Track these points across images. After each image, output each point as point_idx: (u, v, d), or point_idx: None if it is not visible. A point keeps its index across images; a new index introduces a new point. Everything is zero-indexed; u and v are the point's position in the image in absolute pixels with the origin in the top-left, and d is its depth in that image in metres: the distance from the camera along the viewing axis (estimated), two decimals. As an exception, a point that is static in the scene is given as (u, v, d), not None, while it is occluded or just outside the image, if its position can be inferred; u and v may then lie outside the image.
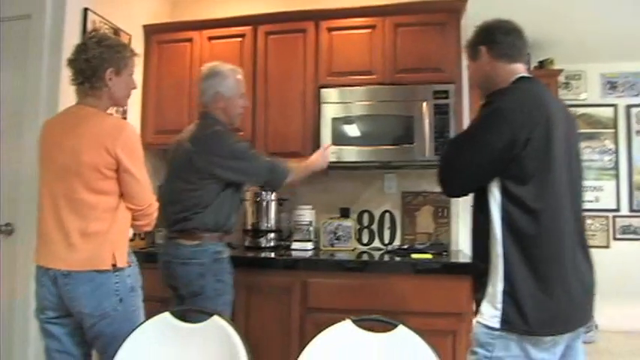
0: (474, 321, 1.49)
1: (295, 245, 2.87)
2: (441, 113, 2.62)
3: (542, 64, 4.15)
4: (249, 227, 2.92)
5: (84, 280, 1.67)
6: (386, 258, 2.64)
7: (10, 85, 2.47)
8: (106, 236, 1.71)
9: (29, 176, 2.34)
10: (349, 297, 2.38)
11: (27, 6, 2.44)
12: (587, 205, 4.62)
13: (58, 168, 1.73)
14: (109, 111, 1.88)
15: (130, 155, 1.71)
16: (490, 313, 1.42)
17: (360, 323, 1.41)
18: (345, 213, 3.04)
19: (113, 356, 1.42)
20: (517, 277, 1.39)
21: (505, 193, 1.44)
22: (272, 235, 2.93)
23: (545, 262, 1.40)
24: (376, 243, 3.03)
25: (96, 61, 1.73)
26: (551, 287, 1.39)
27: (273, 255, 2.72)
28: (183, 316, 1.54)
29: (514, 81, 1.55)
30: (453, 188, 1.69)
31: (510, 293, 1.39)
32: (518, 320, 1.37)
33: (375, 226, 3.05)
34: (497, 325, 1.39)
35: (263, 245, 2.90)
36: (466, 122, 2.89)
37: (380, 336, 1.36)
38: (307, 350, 1.36)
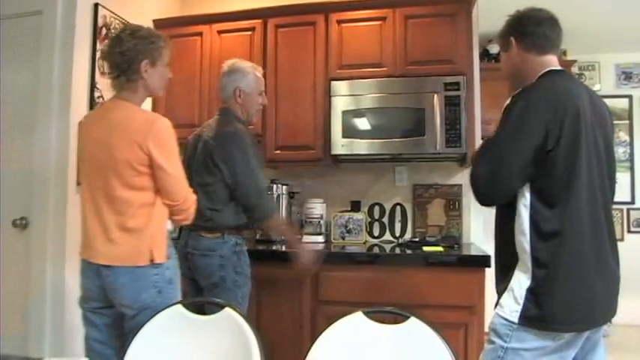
0: (494, 311, 1.48)
1: (306, 238, 2.88)
2: (452, 105, 2.60)
3: (555, 55, 4.09)
4: (260, 220, 2.93)
5: (123, 272, 1.70)
6: (397, 251, 2.63)
7: (22, 80, 2.50)
8: (144, 232, 1.72)
9: (42, 171, 2.38)
10: (360, 290, 2.38)
11: (38, 2, 2.46)
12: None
13: (95, 164, 1.74)
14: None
15: (162, 150, 1.70)
16: (511, 307, 1.41)
17: (372, 315, 1.41)
18: (355, 206, 3.04)
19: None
20: (543, 274, 1.38)
21: (534, 190, 1.42)
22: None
23: (572, 260, 1.38)
24: (387, 236, 3.02)
25: (130, 53, 1.73)
26: (576, 285, 1.37)
27: (284, 248, 2.72)
28: (199, 309, 1.56)
29: (541, 75, 1.49)
30: (493, 197, 1.52)
31: (534, 290, 1.38)
32: (539, 317, 1.37)
33: (385, 219, 3.04)
34: (516, 320, 1.39)
35: (274, 238, 2.90)
36: (477, 114, 2.88)
37: (392, 327, 1.37)
38: (319, 341, 1.36)
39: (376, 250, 2.68)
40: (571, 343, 1.40)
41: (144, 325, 1.63)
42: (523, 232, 1.42)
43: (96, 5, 2.54)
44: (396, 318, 1.38)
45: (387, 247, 2.73)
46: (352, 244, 2.87)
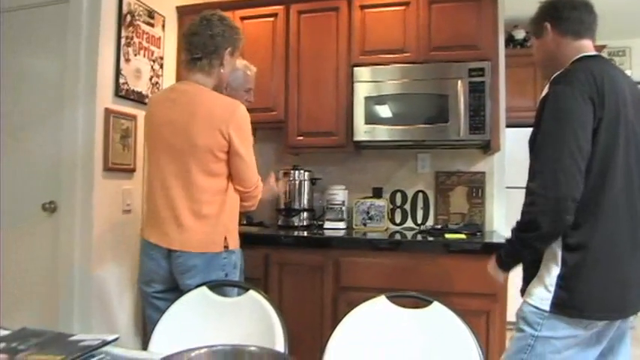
0: (523, 300, 1.46)
1: (328, 225, 2.89)
2: (476, 91, 2.56)
3: (583, 40, 3.97)
4: (282, 206, 2.95)
5: (196, 256, 1.74)
6: (419, 238, 2.62)
7: (50, 68, 2.55)
8: (218, 219, 1.76)
9: (70, 156, 2.43)
10: (382, 276, 2.38)
11: (66, -11, 2.49)
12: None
13: (169, 147, 1.74)
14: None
15: (241, 137, 1.73)
16: (541, 295, 1.38)
17: (395, 299, 1.41)
18: (377, 193, 3.03)
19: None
20: (574, 260, 1.35)
21: None
22: (305, 214, 2.95)
23: (605, 245, 1.35)
24: (409, 223, 3.02)
25: (219, 38, 1.76)
26: (609, 271, 1.35)
27: (305, 234, 2.74)
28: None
29: (575, 60, 1.44)
30: (563, 214, 1.33)
31: (565, 277, 1.35)
32: (571, 304, 1.34)
33: (407, 206, 3.03)
34: (547, 308, 1.36)
35: (296, 224, 2.92)
36: (502, 100, 2.83)
37: (414, 312, 1.37)
38: (342, 324, 1.37)
39: (398, 237, 2.68)
40: (603, 332, 1.39)
41: None
42: None
43: (121, -8, 2.56)
44: (419, 303, 1.38)
45: (409, 234, 2.72)
46: (374, 230, 2.87)
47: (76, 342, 1.03)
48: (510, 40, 3.99)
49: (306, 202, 2.96)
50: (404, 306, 1.40)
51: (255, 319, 1.44)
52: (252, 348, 0.87)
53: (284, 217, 2.94)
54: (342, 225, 2.89)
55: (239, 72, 2.27)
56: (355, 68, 2.75)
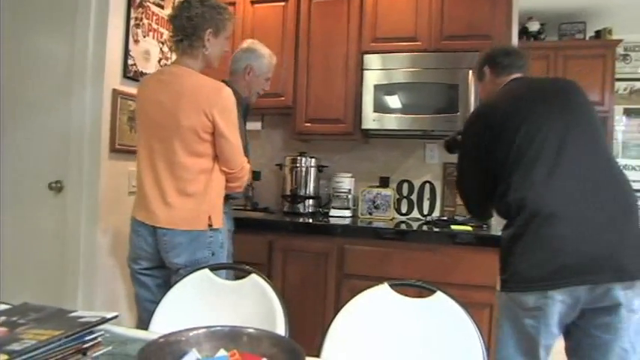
0: None
1: (333, 212, 2.88)
2: (487, 82, 2.52)
3: (598, 35, 3.91)
4: (287, 193, 2.94)
5: (181, 234, 1.77)
6: (425, 228, 2.61)
7: (59, 48, 2.53)
8: (203, 197, 1.78)
9: (77, 136, 2.42)
10: (386, 265, 2.37)
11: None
12: None
13: (156, 127, 1.77)
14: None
15: (226, 119, 1.75)
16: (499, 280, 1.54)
17: (397, 288, 1.40)
18: (384, 182, 3.01)
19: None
20: (508, 242, 1.51)
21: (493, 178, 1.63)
22: (310, 201, 2.94)
23: (535, 224, 1.43)
24: (415, 213, 3.00)
25: (197, 19, 1.75)
26: (536, 240, 1.42)
27: (310, 221, 2.73)
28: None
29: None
30: (482, 211, 1.85)
31: (505, 257, 1.51)
32: (509, 279, 1.48)
33: (414, 197, 3.01)
34: (499, 288, 1.54)
35: (301, 211, 2.91)
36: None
37: (417, 301, 1.35)
38: (343, 311, 1.36)
39: (403, 227, 2.66)
40: (557, 299, 1.39)
41: None
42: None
43: (130, -26, 2.53)
44: (421, 292, 1.36)
45: (415, 225, 2.71)
46: (379, 219, 2.85)
47: (75, 318, 1.02)
48: (524, 32, 3.93)
49: (312, 189, 2.95)
50: (406, 295, 1.39)
51: (256, 302, 1.43)
52: (251, 330, 0.86)
53: (289, 204, 2.93)
54: (347, 213, 2.88)
55: (264, 59, 2.29)
56: (365, 55, 2.72)
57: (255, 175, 3.16)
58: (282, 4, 2.91)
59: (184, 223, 1.77)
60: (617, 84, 4.07)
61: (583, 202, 1.42)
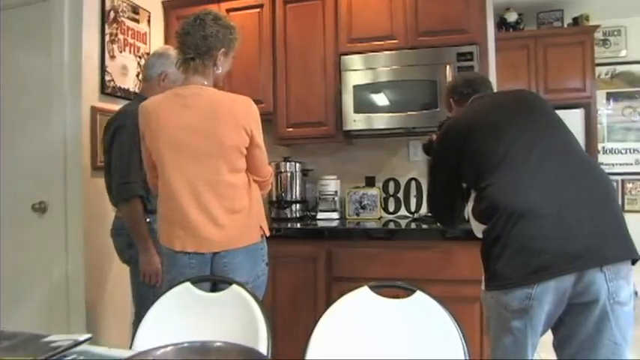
0: None
1: (321, 215, 2.88)
2: (465, 76, 2.52)
3: (576, 22, 3.92)
4: (273, 199, 2.94)
5: (240, 252, 1.76)
6: (412, 226, 2.61)
7: (37, 67, 2.53)
8: (250, 210, 1.79)
9: (59, 155, 2.42)
10: (374, 265, 2.37)
11: (46, -13, 2.47)
12: (626, 169, 4.39)
13: (194, 153, 1.70)
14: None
15: (259, 129, 1.78)
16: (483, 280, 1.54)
17: (378, 290, 1.40)
18: (370, 182, 3.02)
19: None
20: (487, 244, 1.50)
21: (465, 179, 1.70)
22: (297, 206, 2.94)
23: (506, 223, 1.42)
24: (402, 211, 3.00)
25: (212, 39, 1.73)
26: (514, 242, 1.41)
27: (298, 225, 2.73)
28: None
29: None
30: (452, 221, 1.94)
31: (486, 259, 1.51)
32: (491, 279, 1.48)
33: (401, 195, 3.01)
34: (483, 288, 1.53)
35: (288, 216, 2.91)
36: (493, 85, 2.80)
37: (397, 302, 1.35)
38: (325, 316, 1.36)
39: (392, 225, 2.66)
40: (531, 300, 1.39)
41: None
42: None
43: (103, -12, 2.53)
44: (403, 293, 1.36)
45: (403, 223, 2.71)
46: (367, 220, 2.85)
47: (47, 343, 1.02)
48: (503, 24, 3.94)
49: (298, 193, 2.95)
50: (392, 296, 1.39)
51: (238, 313, 1.43)
52: (219, 344, 0.85)
53: (276, 209, 2.93)
54: (335, 215, 2.88)
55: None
56: (343, 57, 2.72)
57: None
58: (257, 10, 2.91)
59: (240, 240, 1.76)
60: (599, 69, 4.09)
61: (558, 198, 1.42)
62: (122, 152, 2.07)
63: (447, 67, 2.54)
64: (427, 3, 2.65)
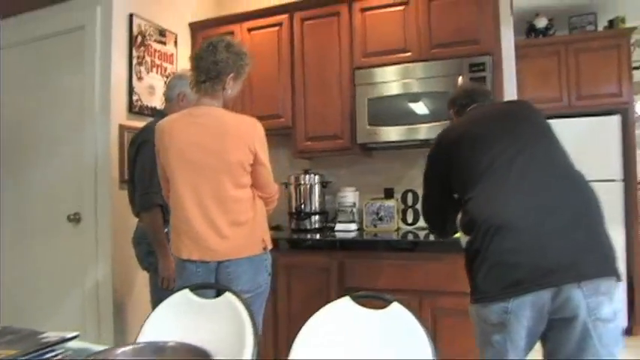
0: None
1: (339, 227, 2.93)
2: (477, 87, 2.52)
3: (611, 24, 3.77)
4: (293, 210, 3.02)
5: (243, 262, 1.88)
6: (431, 238, 2.60)
7: (72, 88, 2.76)
8: (253, 224, 1.90)
9: (91, 169, 2.62)
10: (386, 276, 2.40)
11: (81, 18, 2.70)
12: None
13: (201, 168, 1.84)
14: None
15: (263, 149, 1.90)
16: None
17: (360, 300, 1.44)
18: (389, 193, 3.04)
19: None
20: (468, 257, 1.52)
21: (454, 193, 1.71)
22: (317, 217, 3.01)
23: (484, 236, 1.43)
24: (421, 222, 3.00)
25: (222, 64, 1.86)
26: (491, 256, 1.42)
27: (318, 236, 2.78)
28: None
29: None
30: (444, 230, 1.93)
31: (468, 272, 1.54)
32: (473, 292, 1.50)
33: (419, 206, 3.01)
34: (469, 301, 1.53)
35: (307, 227, 2.99)
36: (511, 94, 2.77)
37: (375, 312, 1.39)
38: (307, 325, 1.41)
39: (410, 237, 2.67)
40: (510, 315, 1.39)
41: (258, 306, 1.89)
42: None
43: (131, 15, 2.73)
44: (381, 303, 1.40)
45: (421, 234, 2.71)
46: (384, 231, 2.88)
47: (40, 339, 1.14)
48: (532, 30, 3.85)
49: (317, 205, 3.02)
50: (370, 306, 1.43)
51: (228, 320, 1.51)
52: (173, 344, 0.94)
53: (295, 221, 3.01)
54: (353, 227, 2.93)
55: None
56: (357, 71, 2.79)
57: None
58: (276, 28, 3.03)
59: (243, 250, 1.87)
60: (636, 73, 3.90)
61: (536, 212, 1.40)
62: (145, 165, 2.23)
63: (460, 78, 2.55)
64: (440, 15, 2.67)
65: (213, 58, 1.85)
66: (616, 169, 3.54)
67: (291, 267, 2.61)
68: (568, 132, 3.63)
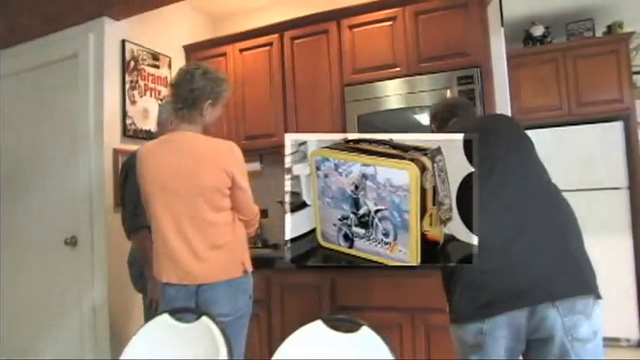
0: None
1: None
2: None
3: (610, 29, 3.71)
4: (288, 228, 3.02)
5: (222, 285, 1.87)
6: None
7: (68, 114, 2.83)
8: (233, 246, 1.91)
9: (86, 192, 2.67)
10: (377, 294, 2.38)
11: (74, 46, 2.77)
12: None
13: (178, 192, 1.85)
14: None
15: (241, 172, 1.90)
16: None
17: (332, 323, 1.44)
18: (384, 208, 3.02)
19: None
20: (446, 277, 1.53)
21: None
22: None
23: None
24: (417, 237, 2.97)
25: (198, 92, 1.88)
26: (465, 276, 1.41)
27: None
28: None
29: None
30: None
31: (446, 292, 1.52)
32: (450, 312, 1.48)
33: (415, 220, 2.98)
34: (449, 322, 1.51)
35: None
36: (505, 105, 2.74)
37: (345, 336, 1.38)
38: (279, 350, 1.41)
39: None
40: (486, 336, 1.36)
41: (239, 329, 1.89)
42: None
43: (123, 41, 2.79)
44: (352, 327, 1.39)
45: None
46: (379, 247, 2.85)
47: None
48: (529, 38, 3.81)
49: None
50: (339, 329, 1.42)
51: (204, 344, 1.52)
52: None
53: (291, 238, 3.01)
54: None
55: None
56: (347, 88, 2.79)
57: (263, 213, 3.27)
58: (267, 48, 3.06)
59: (222, 273, 1.87)
60: (637, 78, 3.81)
61: (508, 231, 1.39)
62: (133, 189, 2.26)
63: (448, 91, 2.53)
64: (427, 29, 2.67)
65: (190, 86, 1.86)
66: (620, 177, 3.46)
67: (284, 285, 2.60)
68: (570, 140, 3.59)
